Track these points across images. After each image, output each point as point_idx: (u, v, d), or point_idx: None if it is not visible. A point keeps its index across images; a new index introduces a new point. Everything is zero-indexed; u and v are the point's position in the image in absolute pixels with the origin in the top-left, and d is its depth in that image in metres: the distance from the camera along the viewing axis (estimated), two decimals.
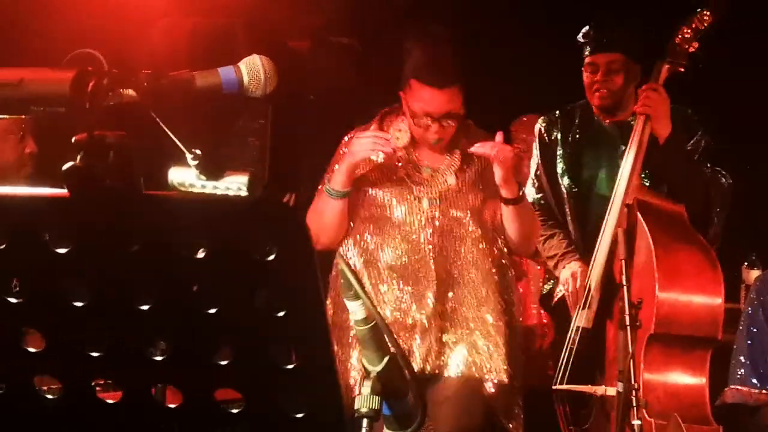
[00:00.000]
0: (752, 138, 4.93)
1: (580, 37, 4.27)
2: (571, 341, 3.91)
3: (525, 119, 5.09)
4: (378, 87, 4.92)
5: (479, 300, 3.62)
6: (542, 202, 4.32)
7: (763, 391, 2.81)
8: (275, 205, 1.31)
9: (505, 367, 3.56)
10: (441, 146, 3.69)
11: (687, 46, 3.91)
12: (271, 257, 1.29)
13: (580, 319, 3.89)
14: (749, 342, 2.94)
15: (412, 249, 3.62)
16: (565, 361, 3.91)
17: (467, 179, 3.71)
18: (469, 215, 3.66)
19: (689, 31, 3.90)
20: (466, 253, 3.64)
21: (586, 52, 4.22)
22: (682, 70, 3.95)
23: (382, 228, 3.67)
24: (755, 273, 3.88)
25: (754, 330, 2.95)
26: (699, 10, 3.89)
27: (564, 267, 4.13)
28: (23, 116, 2.46)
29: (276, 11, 4.98)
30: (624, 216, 3.80)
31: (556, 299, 4.26)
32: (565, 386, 3.90)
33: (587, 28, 4.24)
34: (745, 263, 4.01)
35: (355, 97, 5.12)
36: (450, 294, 3.61)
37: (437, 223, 3.64)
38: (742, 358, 2.92)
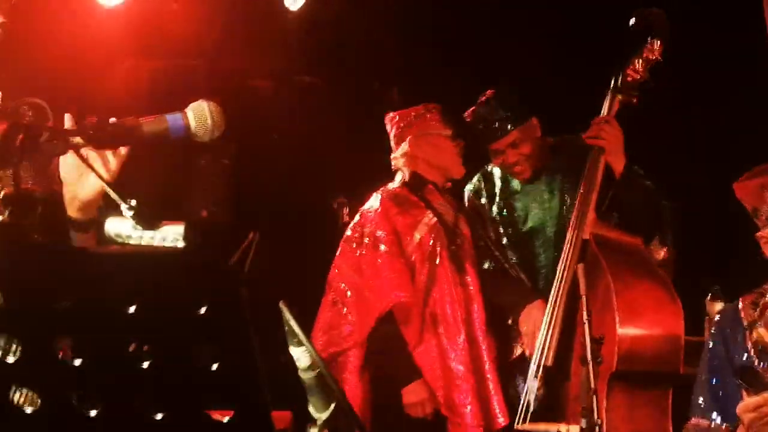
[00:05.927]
0: (712, 170, 4.94)
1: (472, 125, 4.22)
2: (531, 379, 3.85)
3: None
4: (342, 124, 4.93)
5: None
6: (497, 266, 4.27)
7: (723, 425, 2.80)
8: (205, 258, 1.30)
9: None
10: None
11: (638, 77, 3.84)
12: (202, 311, 1.28)
13: (539, 357, 3.84)
14: (710, 375, 2.93)
15: None
16: (526, 399, 3.86)
17: None
18: None
19: (640, 61, 3.84)
20: None
21: (484, 140, 4.16)
22: (635, 101, 3.88)
23: None
24: (718, 305, 3.85)
25: (715, 363, 2.95)
26: (649, 39, 3.83)
27: (524, 309, 4.09)
28: None
29: (238, 52, 4.98)
30: (579, 251, 3.75)
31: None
32: (527, 426, 3.85)
33: (470, 119, 4.18)
34: (709, 295, 3.99)
35: (321, 135, 5.13)
36: None
37: None
38: (703, 391, 2.92)
